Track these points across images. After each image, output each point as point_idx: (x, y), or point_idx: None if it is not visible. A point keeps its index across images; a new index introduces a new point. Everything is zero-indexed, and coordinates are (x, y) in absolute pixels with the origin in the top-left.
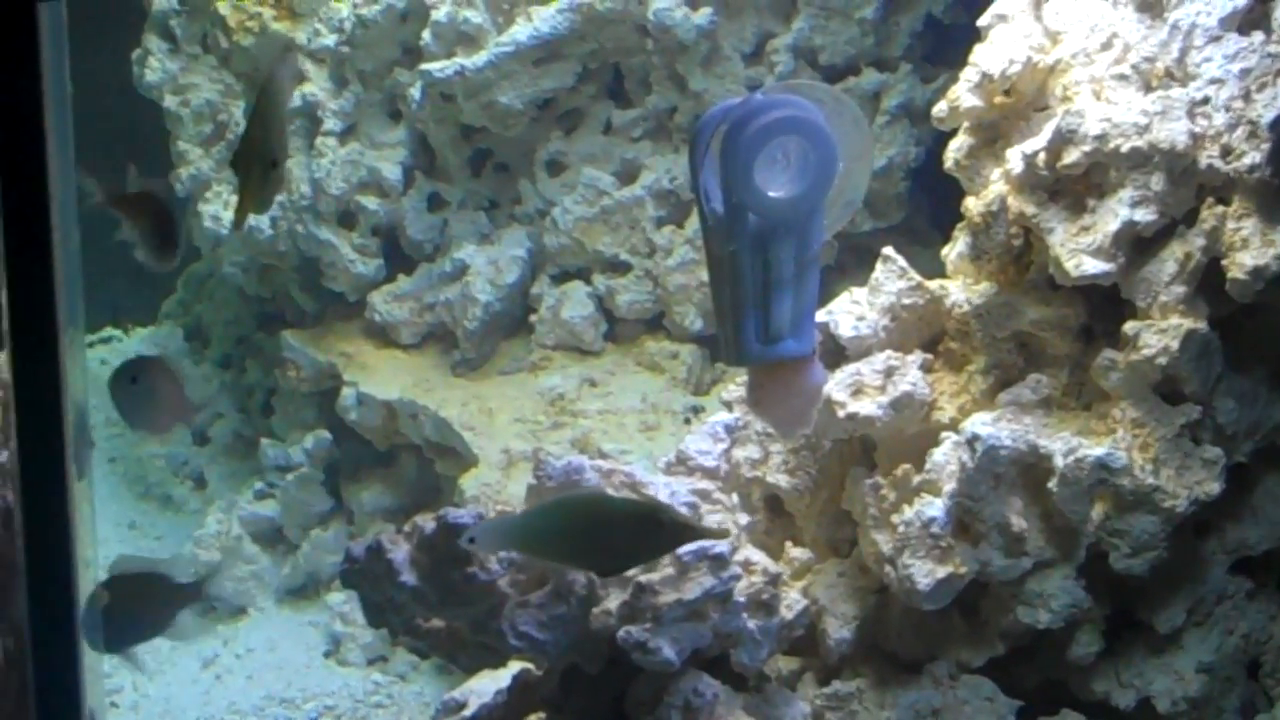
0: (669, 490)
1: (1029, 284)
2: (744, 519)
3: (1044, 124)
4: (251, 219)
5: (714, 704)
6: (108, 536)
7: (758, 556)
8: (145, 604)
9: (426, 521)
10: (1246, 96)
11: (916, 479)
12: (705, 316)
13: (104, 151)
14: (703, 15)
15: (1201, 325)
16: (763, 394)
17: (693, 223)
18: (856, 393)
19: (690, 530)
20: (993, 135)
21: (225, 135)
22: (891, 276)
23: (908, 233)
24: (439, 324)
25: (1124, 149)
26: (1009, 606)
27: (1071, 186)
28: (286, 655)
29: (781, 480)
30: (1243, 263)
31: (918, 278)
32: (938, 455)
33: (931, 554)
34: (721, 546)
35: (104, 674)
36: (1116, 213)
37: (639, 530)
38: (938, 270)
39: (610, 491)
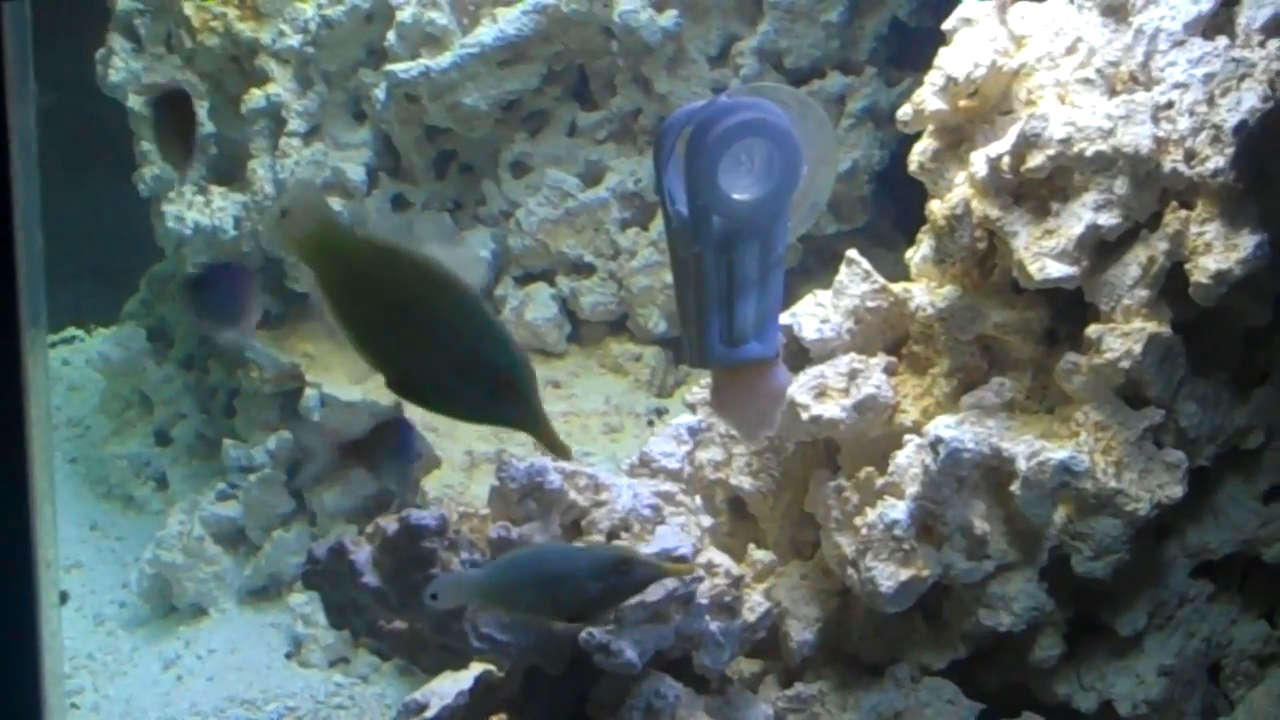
0: (632, 492)
1: (992, 287)
2: (707, 521)
3: (1008, 127)
4: (215, 219)
5: (676, 706)
6: (69, 537)
7: (720, 559)
8: None
9: (389, 523)
10: (1210, 101)
11: (879, 482)
12: (669, 318)
13: (69, 151)
14: (668, 18)
15: (1164, 329)
16: (726, 396)
17: (657, 225)
18: (820, 395)
19: (657, 571)
20: (957, 139)
21: None
22: (855, 279)
23: (872, 235)
24: None
25: (1088, 153)
26: (971, 609)
27: (1035, 190)
28: (248, 656)
29: (744, 482)
30: (1206, 267)
31: (882, 280)
32: (901, 458)
33: (894, 556)
34: (684, 549)
35: (64, 675)
36: (1080, 216)
37: (605, 576)
38: (901, 273)
39: (574, 495)
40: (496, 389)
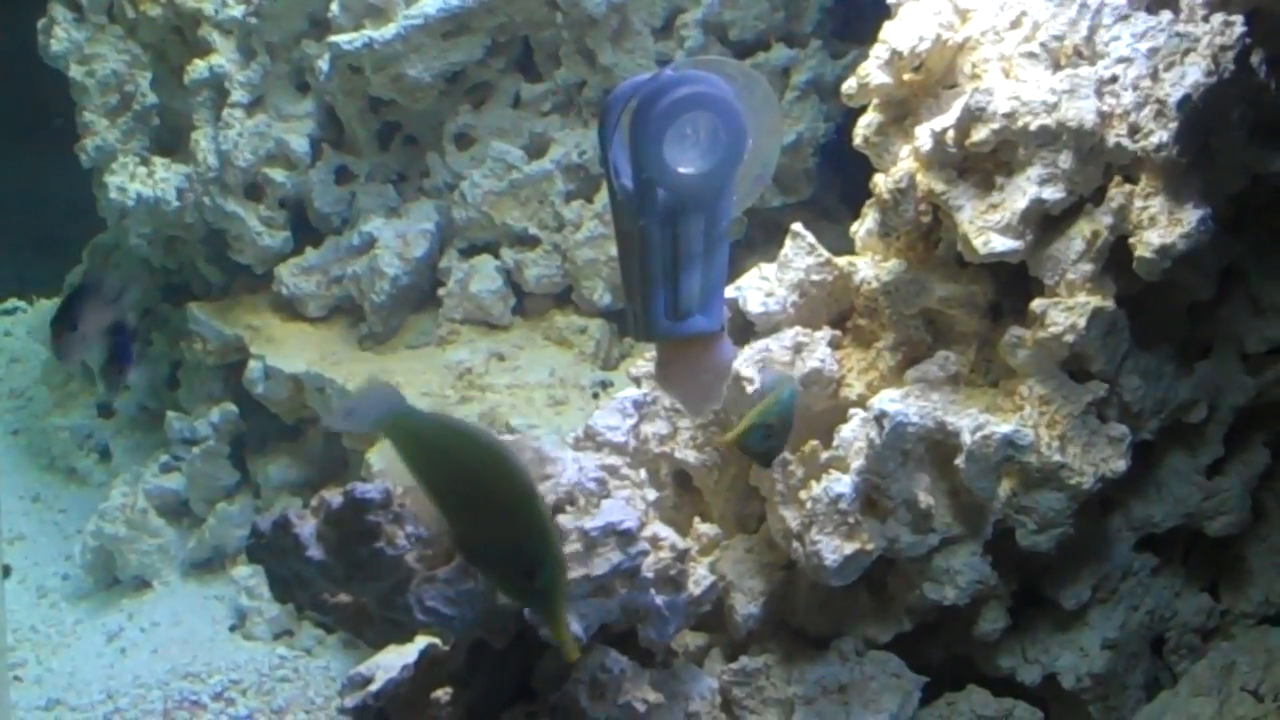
0: (577, 465)
1: (937, 261)
2: (652, 494)
3: (953, 101)
4: (158, 190)
5: (621, 679)
6: (11, 509)
7: (665, 532)
8: None
9: (333, 496)
10: (1154, 75)
11: (824, 455)
12: (614, 291)
13: (9, 122)
14: None
15: (1108, 303)
16: (671, 369)
17: (602, 197)
18: (765, 368)
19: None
20: (902, 112)
21: (131, 105)
22: (800, 253)
23: (817, 209)
24: (346, 297)
25: (1032, 127)
26: (916, 583)
27: (980, 164)
28: (192, 629)
29: (690, 456)
30: (1150, 241)
31: (826, 254)
32: (846, 432)
33: (839, 530)
34: (630, 523)
35: (7, 647)
36: (1025, 190)
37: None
38: (846, 246)
39: None
40: (529, 579)
